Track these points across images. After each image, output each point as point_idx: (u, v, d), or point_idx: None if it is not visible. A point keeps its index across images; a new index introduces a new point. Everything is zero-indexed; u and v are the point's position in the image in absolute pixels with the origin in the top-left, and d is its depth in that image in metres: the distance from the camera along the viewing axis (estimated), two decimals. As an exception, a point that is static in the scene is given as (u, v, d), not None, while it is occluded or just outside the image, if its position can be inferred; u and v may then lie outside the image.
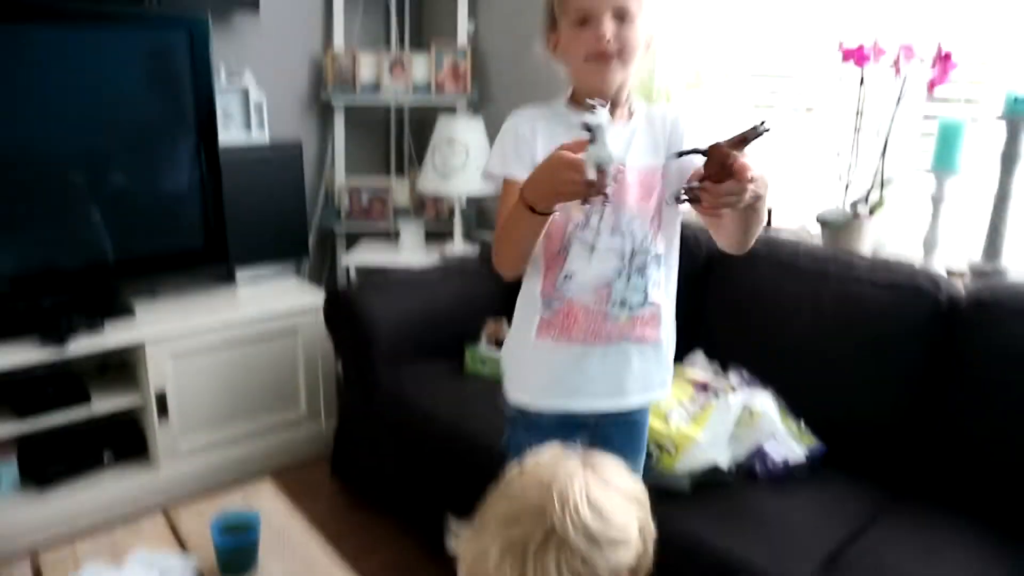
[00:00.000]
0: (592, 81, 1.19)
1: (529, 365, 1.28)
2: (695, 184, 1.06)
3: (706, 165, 1.04)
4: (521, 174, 1.16)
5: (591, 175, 1.01)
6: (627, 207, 1.22)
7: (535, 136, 1.22)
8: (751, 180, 1.01)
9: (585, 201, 1.05)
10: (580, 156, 1.01)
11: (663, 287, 1.26)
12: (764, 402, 1.53)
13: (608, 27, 1.15)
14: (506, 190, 1.23)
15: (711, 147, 1.04)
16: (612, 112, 1.20)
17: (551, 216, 1.11)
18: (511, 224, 1.15)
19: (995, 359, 1.54)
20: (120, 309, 2.24)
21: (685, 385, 1.63)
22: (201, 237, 2.38)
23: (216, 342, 2.30)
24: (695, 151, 1.07)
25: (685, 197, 1.07)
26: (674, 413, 1.52)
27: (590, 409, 1.27)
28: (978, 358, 1.56)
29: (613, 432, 1.30)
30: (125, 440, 2.27)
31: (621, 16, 1.16)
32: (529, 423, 1.29)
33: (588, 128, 1.00)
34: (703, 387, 1.62)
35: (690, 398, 1.59)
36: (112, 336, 2.13)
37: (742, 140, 1.02)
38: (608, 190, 1.03)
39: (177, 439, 2.26)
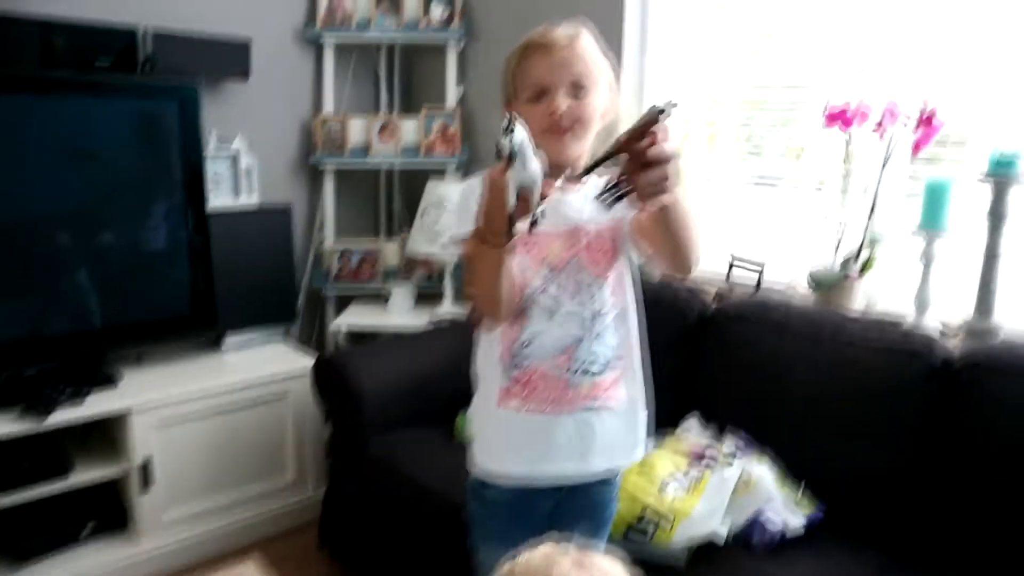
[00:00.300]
0: (548, 154, 1.16)
1: (491, 433, 1.26)
2: (617, 182, 1.02)
3: (625, 165, 1.00)
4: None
5: (513, 200, 0.97)
6: (584, 270, 1.21)
7: None
8: (672, 158, 0.98)
9: (512, 227, 1.01)
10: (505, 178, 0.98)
11: (627, 347, 1.25)
12: (761, 469, 1.49)
13: (563, 101, 1.17)
14: (468, 242, 1.20)
15: (620, 147, 0.99)
16: (565, 185, 1.21)
17: (508, 248, 1.07)
18: (473, 265, 1.14)
19: (992, 420, 1.52)
20: (105, 377, 2.20)
21: (680, 456, 1.60)
22: (188, 303, 2.36)
23: (203, 409, 2.25)
24: (609, 188, 1.02)
25: (613, 197, 1.02)
26: (670, 485, 1.49)
27: (555, 476, 1.24)
28: (975, 420, 1.54)
29: (577, 507, 1.27)
30: (107, 511, 2.20)
31: (577, 90, 1.18)
32: (490, 494, 1.26)
33: (502, 151, 0.96)
34: (699, 457, 1.59)
35: (685, 469, 1.56)
36: (96, 405, 2.08)
37: (647, 126, 0.97)
38: (537, 212, 1.01)
39: (160, 510, 2.20)
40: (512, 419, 1.22)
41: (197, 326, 2.41)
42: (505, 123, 0.96)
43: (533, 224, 1.02)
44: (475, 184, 1.22)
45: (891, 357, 1.62)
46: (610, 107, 1.24)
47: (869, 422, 1.64)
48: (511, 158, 0.96)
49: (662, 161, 0.98)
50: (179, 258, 2.33)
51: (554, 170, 1.20)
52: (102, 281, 2.20)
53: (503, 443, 1.25)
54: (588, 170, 1.08)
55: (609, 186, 1.03)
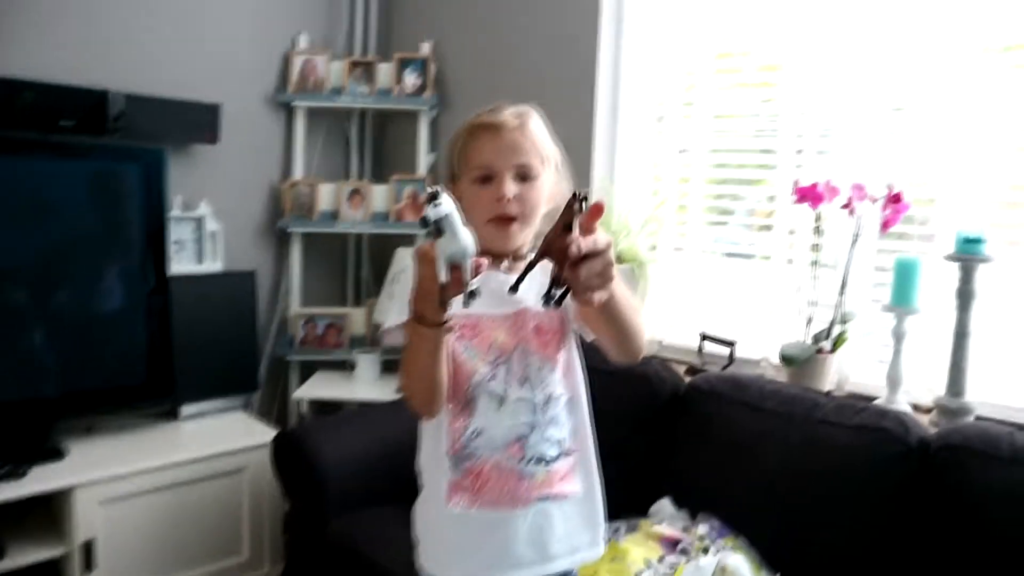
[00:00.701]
0: (493, 243, 1.16)
1: (440, 533, 1.18)
2: (555, 279, 0.98)
3: (556, 264, 0.96)
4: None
5: (443, 274, 0.93)
6: (533, 355, 1.17)
7: None
8: (604, 249, 0.95)
9: (445, 302, 0.96)
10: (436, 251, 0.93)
11: (581, 432, 1.20)
12: (737, 559, 1.44)
13: (510, 187, 1.13)
14: (407, 326, 1.13)
15: (549, 246, 0.96)
16: (514, 266, 1.19)
17: (445, 329, 1.01)
18: (409, 351, 1.07)
19: (969, 503, 1.48)
20: (50, 450, 2.09)
21: (653, 544, 1.54)
22: (145, 371, 2.27)
23: (154, 484, 2.14)
24: (549, 291, 0.99)
25: (556, 297, 0.99)
26: (644, 574, 1.42)
27: None
28: (951, 503, 1.51)
29: None
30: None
31: (524, 175, 1.15)
32: None
33: (428, 223, 0.91)
34: (672, 544, 1.53)
35: (659, 558, 1.50)
36: (37, 481, 1.96)
37: (568, 222, 0.94)
38: (474, 286, 0.95)
39: (103, 595, 2.07)
40: (463, 518, 1.14)
41: (153, 396, 2.32)
42: (429, 193, 0.93)
43: (470, 297, 0.96)
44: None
45: (866, 437, 1.59)
46: (556, 191, 1.21)
47: (845, 504, 1.60)
48: (439, 230, 0.92)
49: (596, 253, 0.94)
50: (137, 325, 2.26)
51: (499, 257, 1.18)
52: (54, 346, 2.11)
53: (453, 546, 1.17)
54: (519, 280, 1.04)
55: (549, 288, 0.99)
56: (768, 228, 2.21)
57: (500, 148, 1.14)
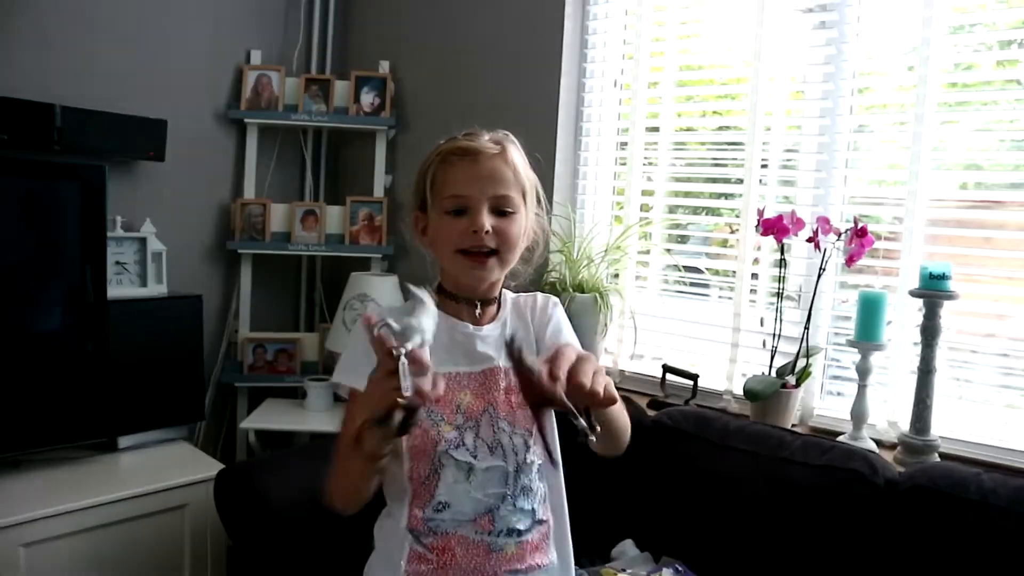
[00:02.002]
0: (464, 278, 1.09)
1: None
2: (572, 415, 0.87)
3: (553, 402, 0.87)
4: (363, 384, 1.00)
5: (407, 388, 0.81)
6: (504, 417, 1.07)
7: None
8: (580, 359, 0.88)
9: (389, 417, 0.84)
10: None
11: (557, 497, 1.13)
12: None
13: (486, 220, 1.04)
14: (351, 400, 1.04)
15: (536, 399, 0.87)
16: (484, 312, 1.11)
17: (378, 465, 0.91)
18: (344, 447, 0.95)
19: (935, 545, 1.45)
20: (-28, 487, 1.95)
21: (618, 593, 1.48)
22: (80, 400, 2.13)
23: (85, 523, 2.00)
24: (578, 428, 0.88)
25: (584, 427, 0.88)
26: (608, 629, 1.36)
27: None
28: (918, 544, 1.47)
29: None
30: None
31: (501, 209, 1.06)
32: None
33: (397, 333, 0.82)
34: (638, 593, 1.47)
35: (625, 609, 1.43)
36: (-46, 524, 1.82)
37: (522, 366, 0.87)
38: (431, 393, 0.85)
39: (26, 645, 1.92)
40: None
41: (88, 427, 2.18)
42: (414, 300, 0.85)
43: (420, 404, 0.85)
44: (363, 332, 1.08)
45: (834, 477, 1.55)
46: (536, 226, 1.13)
47: (812, 546, 1.55)
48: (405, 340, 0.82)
49: (585, 375, 0.86)
50: (71, 352, 2.12)
51: (468, 300, 1.10)
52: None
53: None
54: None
55: (575, 426, 0.88)
56: (730, 259, 2.18)
57: (477, 177, 1.05)
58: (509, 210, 1.06)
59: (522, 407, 1.09)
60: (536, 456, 1.10)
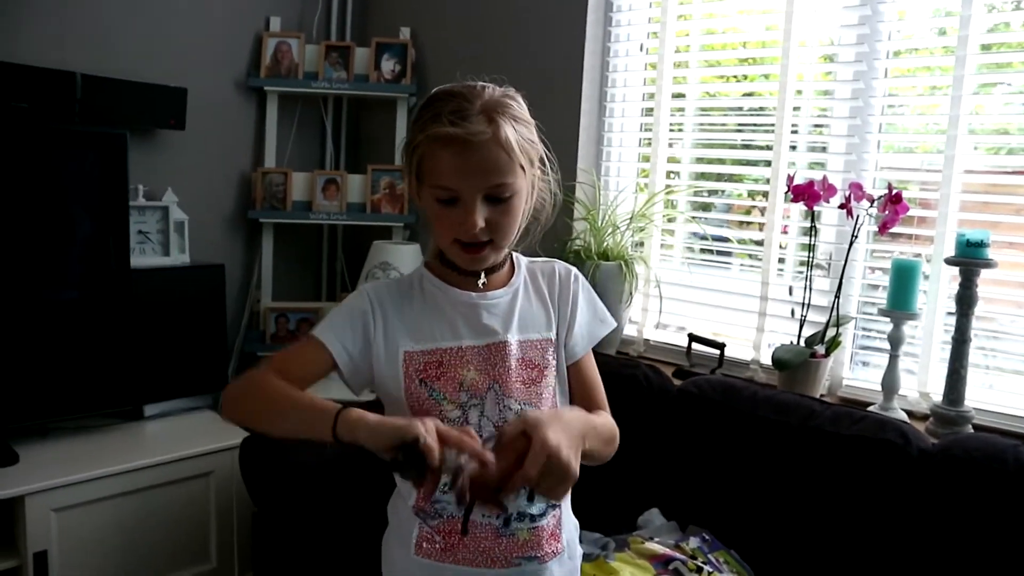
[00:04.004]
0: (460, 263, 1.04)
1: None
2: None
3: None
4: (337, 350, 1.00)
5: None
6: (512, 395, 1.03)
7: (377, 319, 1.04)
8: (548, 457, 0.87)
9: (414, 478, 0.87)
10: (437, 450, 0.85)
11: None
12: (734, 580, 1.37)
13: (480, 214, 0.96)
14: (309, 344, 1.03)
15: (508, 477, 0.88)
16: (488, 276, 1.07)
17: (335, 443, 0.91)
18: (287, 402, 0.94)
19: (969, 517, 1.42)
20: (2, 454, 1.96)
21: (644, 562, 1.46)
22: (105, 369, 2.14)
23: (113, 490, 2.02)
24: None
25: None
26: (637, 597, 1.35)
27: None
28: (951, 516, 1.44)
29: None
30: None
31: (496, 195, 0.98)
32: None
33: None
34: (664, 563, 1.45)
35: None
36: (-15, 489, 1.84)
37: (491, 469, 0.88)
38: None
39: (59, 608, 1.95)
40: (432, 569, 1.04)
41: (114, 395, 2.20)
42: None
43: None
44: (363, 301, 1.05)
45: (865, 447, 1.53)
46: (539, 186, 1.06)
47: (842, 517, 1.53)
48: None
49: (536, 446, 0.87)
50: (96, 321, 2.13)
51: (472, 274, 1.06)
52: (6, 343, 1.98)
53: None
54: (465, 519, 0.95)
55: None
56: (755, 228, 2.14)
57: (467, 170, 0.95)
58: (505, 197, 0.99)
59: (534, 383, 1.06)
60: None
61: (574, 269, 1.16)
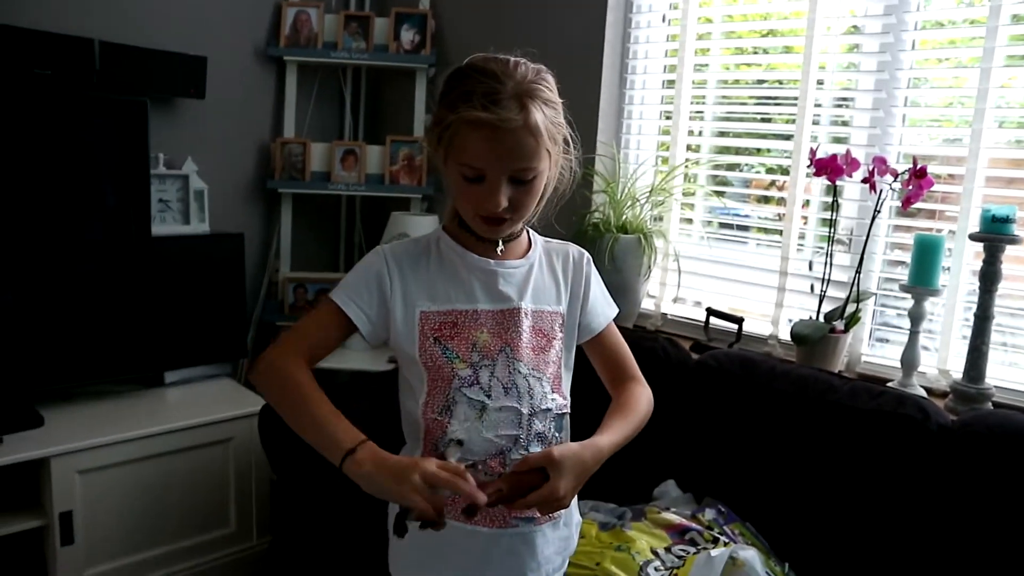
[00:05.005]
0: (480, 232, 1.06)
1: (410, 543, 1.06)
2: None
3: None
4: (354, 312, 1.04)
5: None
6: (522, 359, 1.06)
7: (393, 279, 1.06)
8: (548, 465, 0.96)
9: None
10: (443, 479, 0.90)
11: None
12: (749, 553, 1.37)
13: (504, 194, 0.99)
14: (327, 309, 1.06)
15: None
16: (506, 245, 1.09)
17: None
18: (308, 415, 1.00)
19: (989, 493, 1.42)
20: (27, 417, 2.00)
21: (660, 532, 1.47)
22: (127, 335, 2.17)
23: (136, 454, 2.06)
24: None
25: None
26: (651, 567, 1.35)
27: None
28: (971, 492, 1.44)
29: None
30: (24, 566, 1.99)
31: (520, 179, 1.00)
32: None
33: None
34: (680, 533, 1.46)
35: (666, 547, 1.42)
36: (11, 450, 1.87)
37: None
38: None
39: (83, 567, 1.99)
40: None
41: (134, 362, 2.23)
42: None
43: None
44: (379, 261, 1.07)
45: (883, 422, 1.52)
46: (563, 165, 1.08)
47: (859, 492, 1.53)
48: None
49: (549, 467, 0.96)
50: (117, 288, 2.15)
51: (488, 240, 1.08)
52: (30, 309, 2.01)
53: (421, 554, 1.10)
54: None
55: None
56: (778, 201, 2.12)
57: (496, 153, 0.97)
58: (528, 179, 1.01)
59: (543, 351, 1.09)
60: (552, 404, 1.08)
61: (586, 252, 1.20)
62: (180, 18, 2.46)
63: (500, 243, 1.09)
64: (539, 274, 1.13)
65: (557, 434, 1.09)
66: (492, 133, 0.96)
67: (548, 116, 1.01)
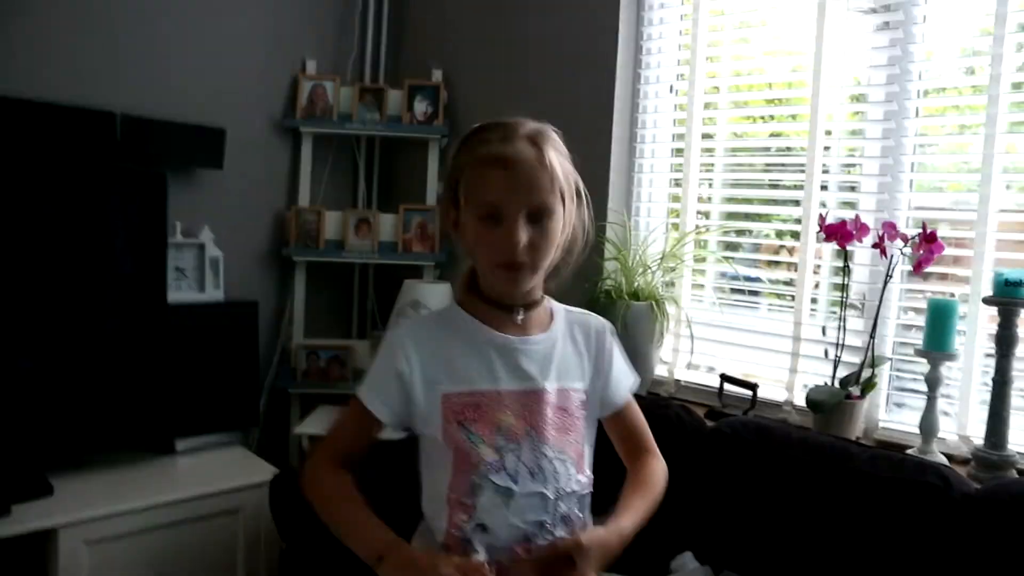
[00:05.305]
0: (500, 287, 1.06)
1: None
2: None
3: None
4: (377, 407, 1.06)
5: None
6: (547, 442, 1.05)
7: (413, 365, 1.06)
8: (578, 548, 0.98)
9: None
10: None
11: (590, 526, 1.10)
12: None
13: (523, 233, 1.00)
14: (352, 408, 1.08)
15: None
16: (526, 314, 1.08)
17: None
18: (344, 522, 1.05)
19: (1015, 563, 1.38)
20: (38, 486, 1.99)
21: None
22: (140, 403, 2.17)
23: (145, 524, 2.03)
24: None
25: None
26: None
27: None
28: (996, 563, 1.40)
29: None
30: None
31: (537, 216, 1.01)
32: None
33: None
34: (702, 607, 1.43)
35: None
36: (19, 521, 1.85)
37: None
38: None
39: (87, 643, 1.95)
40: None
41: (146, 430, 2.22)
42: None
43: None
44: (396, 346, 1.08)
45: (905, 491, 1.49)
46: (575, 219, 1.10)
47: (880, 563, 1.49)
48: None
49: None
50: (132, 355, 2.16)
51: (508, 309, 1.08)
52: (44, 375, 2.02)
53: None
54: None
55: None
56: (784, 268, 2.13)
57: (513, 187, 1.00)
58: (545, 217, 1.02)
59: (567, 431, 1.08)
60: (578, 486, 1.07)
61: (608, 323, 1.20)
62: (200, 91, 2.53)
63: (519, 311, 1.08)
64: (562, 349, 1.11)
65: (580, 515, 1.08)
66: (509, 169, 1.00)
67: (560, 159, 1.05)
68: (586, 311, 1.20)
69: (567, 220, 1.07)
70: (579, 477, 1.07)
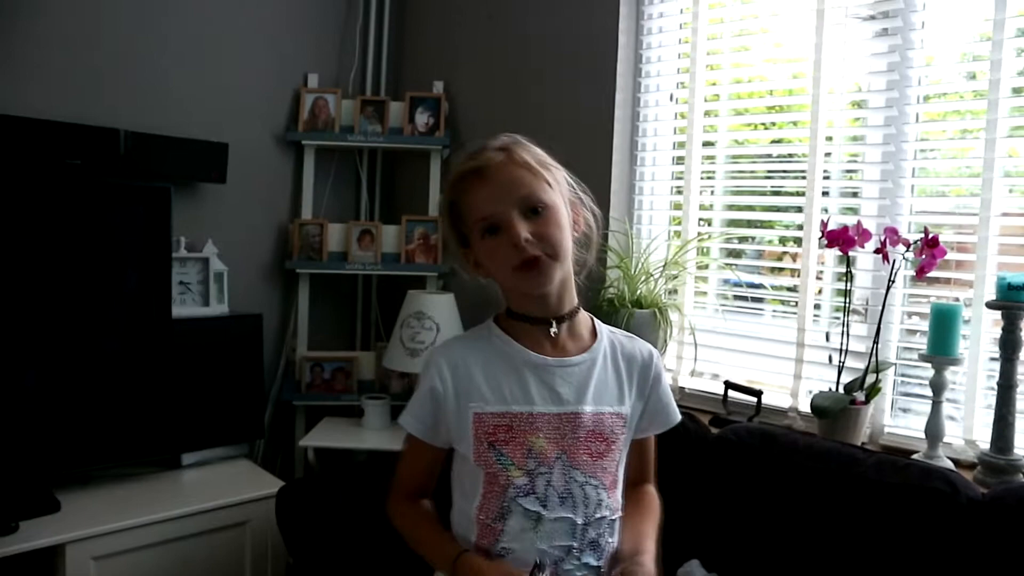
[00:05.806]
0: (527, 290, 1.05)
1: None
2: None
3: None
4: (423, 432, 1.08)
5: None
6: (579, 467, 1.04)
7: (446, 383, 1.07)
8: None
9: None
10: None
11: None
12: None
13: (521, 228, 0.99)
14: (405, 441, 1.12)
15: None
16: (560, 328, 1.06)
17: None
18: (420, 541, 1.11)
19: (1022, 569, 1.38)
20: (44, 502, 1.99)
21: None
22: (146, 417, 2.18)
23: (151, 538, 2.03)
24: None
25: None
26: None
27: None
28: (1004, 567, 1.40)
29: None
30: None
31: (532, 207, 1.01)
32: None
33: None
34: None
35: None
36: (27, 538, 1.85)
37: None
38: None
39: (95, 658, 1.95)
40: None
41: (152, 445, 2.23)
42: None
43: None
44: (434, 373, 1.08)
45: (911, 496, 1.49)
46: (581, 213, 1.09)
47: (888, 568, 1.49)
48: None
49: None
50: (137, 370, 2.17)
51: (541, 321, 1.07)
52: (49, 390, 2.02)
53: None
54: None
55: None
56: (787, 275, 2.13)
57: (495, 191, 1.01)
58: (541, 207, 1.02)
59: (600, 456, 1.06)
60: (607, 511, 1.07)
61: (655, 351, 1.18)
62: (202, 106, 2.55)
63: (554, 324, 1.06)
64: (602, 371, 1.09)
65: (610, 540, 1.07)
66: (483, 176, 1.02)
67: (533, 154, 1.05)
68: (632, 335, 1.19)
69: (567, 206, 1.07)
70: (609, 502, 1.07)
